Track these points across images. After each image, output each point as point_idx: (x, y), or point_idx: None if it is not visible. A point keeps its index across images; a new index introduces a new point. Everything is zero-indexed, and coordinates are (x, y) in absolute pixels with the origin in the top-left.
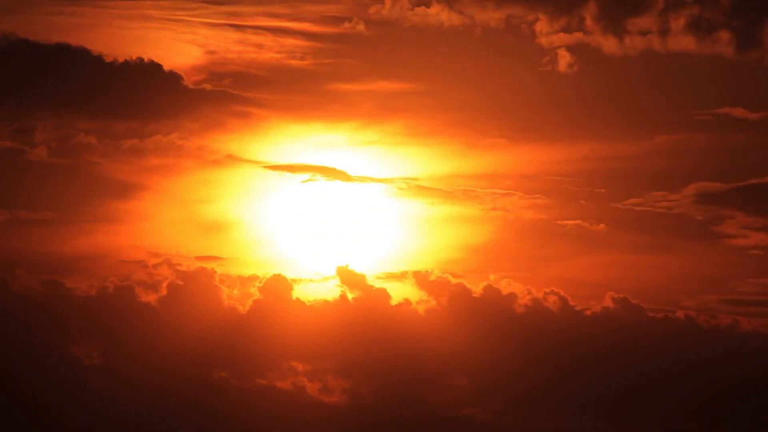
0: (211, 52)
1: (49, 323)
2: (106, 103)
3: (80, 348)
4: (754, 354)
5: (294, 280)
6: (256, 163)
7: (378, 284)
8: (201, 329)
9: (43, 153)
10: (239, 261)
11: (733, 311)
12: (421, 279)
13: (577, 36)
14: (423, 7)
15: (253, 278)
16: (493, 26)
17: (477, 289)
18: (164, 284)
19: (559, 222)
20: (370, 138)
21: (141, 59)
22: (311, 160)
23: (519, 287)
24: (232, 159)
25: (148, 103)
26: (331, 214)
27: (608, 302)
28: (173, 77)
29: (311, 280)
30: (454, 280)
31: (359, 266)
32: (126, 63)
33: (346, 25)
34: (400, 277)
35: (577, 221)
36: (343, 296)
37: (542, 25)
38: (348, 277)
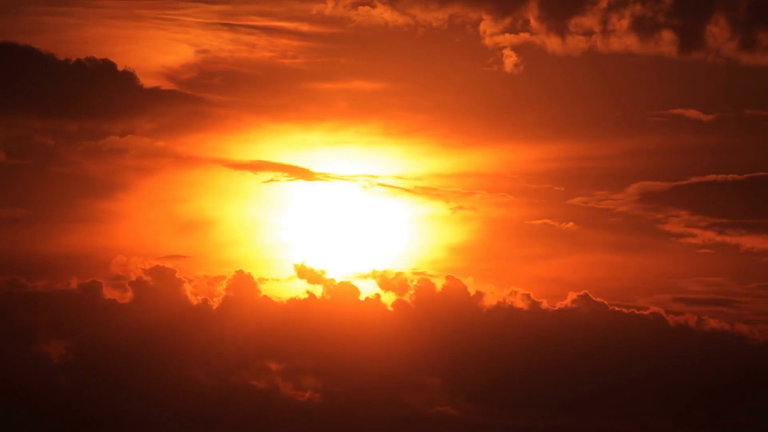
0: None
1: (13, 321)
2: (58, 103)
3: (48, 346)
4: (719, 352)
5: (261, 279)
6: (220, 162)
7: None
8: (169, 327)
9: (1, 155)
10: (210, 259)
11: (685, 310)
12: (386, 278)
13: (524, 36)
14: (367, 7)
15: (221, 277)
16: (437, 26)
17: (445, 288)
18: (130, 282)
19: (527, 222)
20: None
21: (93, 58)
22: (283, 158)
23: (488, 286)
24: (193, 159)
25: (101, 103)
26: (305, 213)
27: (573, 300)
28: (127, 77)
29: (278, 279)
30: (420, 280)
31: (330, 265)
32: (79, 62)
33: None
34: (369, 276)
35: (544, 220)
36: (310, 294)
37: (486, 26)
38: (308, 275)
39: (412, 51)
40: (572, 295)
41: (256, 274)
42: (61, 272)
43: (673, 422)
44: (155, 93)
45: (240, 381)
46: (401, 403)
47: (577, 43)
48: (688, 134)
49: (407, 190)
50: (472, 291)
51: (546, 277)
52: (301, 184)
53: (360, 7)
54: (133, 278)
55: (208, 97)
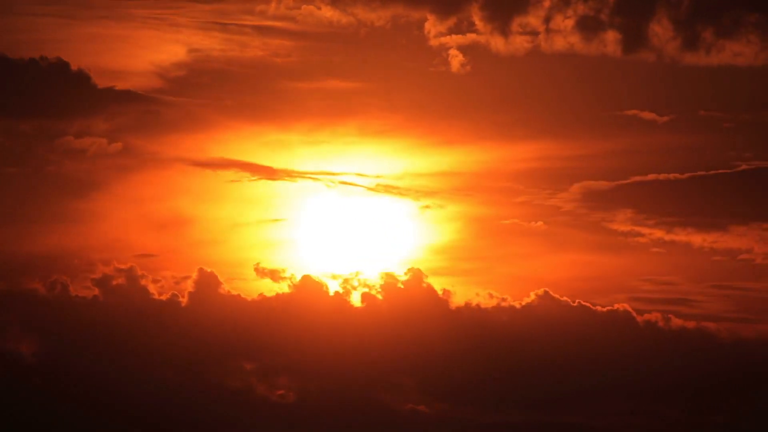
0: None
1: None
2: (8, 103)
3: (18, 345)
4: (691, 350)
5: (230, 278)
6: (184, 161)
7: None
8: (136, 326)
9: None
10: (182, 258)
11: (643, 309)
12: (354, 278)
13: (470, 37)
14: (312, 7)
15: (187, 276)
16: (380, 26)
17: (410, 287)
18: (96, 281)
19: (497, 221)
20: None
21: (45, 57)
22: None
23: (454, 285)
24: (153, 160)
25: (54, 103)
26: (282, 212)
27: (536, 297)
28: (81, 76)
29: (246, 279)
30: (387, 279)
31: (300, 265)
32: (32, 61)
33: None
34: (339, 276)
35: (514, 220)
36: (278, 293)
37: (431, 26)
38: (268, 275)
39: (356, 51)
40: (535, 293)
41: (228, 273)
42: (26, 272)
43: (647, 419)
44: (110, 93)
45: (212, 380)
46: (375, 401)
47: (521, 43)
48: (642, 135)
49: (370, 189)
50: (438, 290)
51: (518, 275)
52: (275, 184)
53: (304, 6)
54: (99, 276)
55: (162, 97)
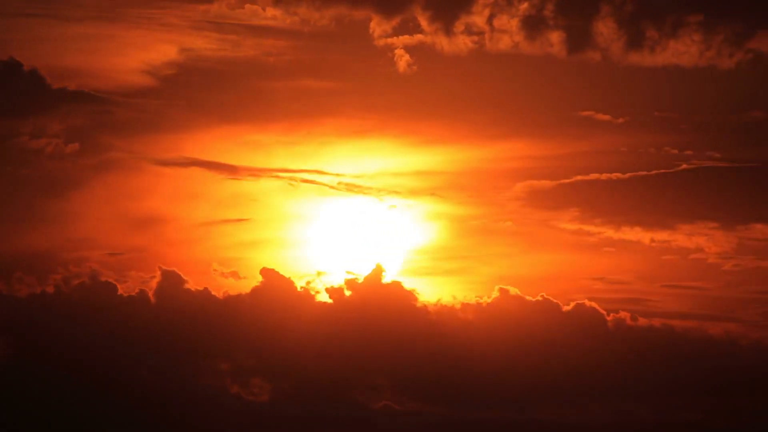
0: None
1: None
2: None
3: None
4: (661, 347)
5: (197, 277)
6: (149, 160)
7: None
8: (104, 324)
9: None
10: (151, 258)
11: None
12: (321, 278)
13: (417, 37)
14: (256, 7)
15: (151, 275)
16: (323, 26)
17: (376, 285)
18: (62, 279)
19: (466, 221)
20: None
21: None
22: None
23: (429, 286)
24: (116, 160)
25: (4, 102)
26: (247, 212)
27: (500, 295)
28: (34, 76)
29: (214, 278)
30: (352, 280)
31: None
32: None
33: None
34: (311, 275)
35: (483, 220)
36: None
37: (376, 26)
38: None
39: (301, 51)
40: (500, 290)
41: (193, 272)
42: None
43: (618, 416)
44: (62, 93)
45: (185, 379)
46: (351, 398)
47: (466, 43)
48: (596, 136)
49: (332, 187)
50: (404, 289)
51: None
52: (252, 183)
53: (247, 6)
54: (63, 275)
55: (116, 98)
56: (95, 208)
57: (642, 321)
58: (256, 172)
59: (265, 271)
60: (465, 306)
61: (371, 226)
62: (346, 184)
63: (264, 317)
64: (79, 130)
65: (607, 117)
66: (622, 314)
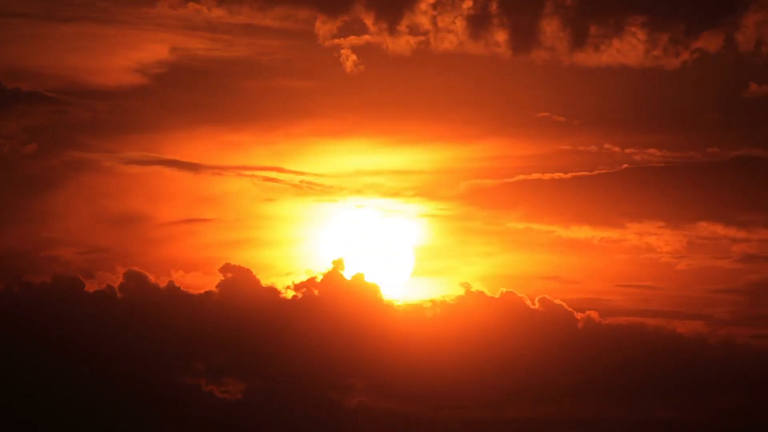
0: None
1: None
2: None
3: None
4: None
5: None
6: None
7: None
8: (71, 323)
9: None
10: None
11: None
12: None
13: (364, 37)
14: (201, 6)
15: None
16: (267, 25)
17: (338, 282)
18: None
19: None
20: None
21: None
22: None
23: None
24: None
25: None
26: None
27: (467, 292)
28: None
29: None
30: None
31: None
32: None
33: None
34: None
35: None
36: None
37: (321, 26)
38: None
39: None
40: (465, 288)
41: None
42: None
43: (593, 415)
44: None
45: (162, 378)
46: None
47: (410, 43)
48: (549, 138)
49: (295, 185)
50: (366, 282)
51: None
52: (223, 182)
53: (190, 5)
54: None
55: (71, 99)
56: (62, 208)
57: (610, 320)
58: (221, 171)
59: (230, 267)
60: (434, 303)
61: (338, 227)
62: (308, 183)
63: (231, 314)
64: (37, 130)
65: (562, 118)
66: (592, 312)
